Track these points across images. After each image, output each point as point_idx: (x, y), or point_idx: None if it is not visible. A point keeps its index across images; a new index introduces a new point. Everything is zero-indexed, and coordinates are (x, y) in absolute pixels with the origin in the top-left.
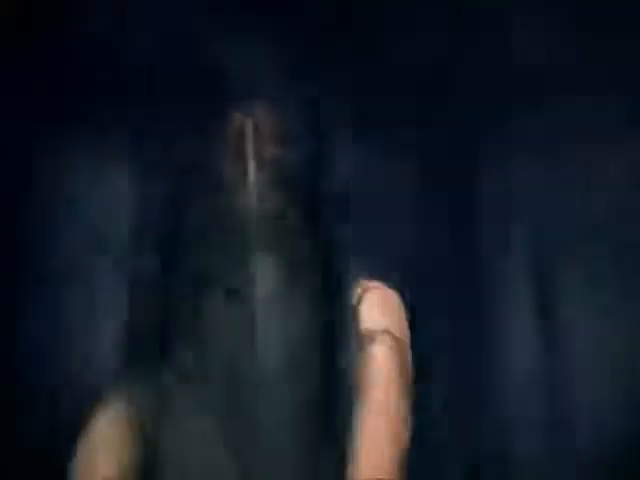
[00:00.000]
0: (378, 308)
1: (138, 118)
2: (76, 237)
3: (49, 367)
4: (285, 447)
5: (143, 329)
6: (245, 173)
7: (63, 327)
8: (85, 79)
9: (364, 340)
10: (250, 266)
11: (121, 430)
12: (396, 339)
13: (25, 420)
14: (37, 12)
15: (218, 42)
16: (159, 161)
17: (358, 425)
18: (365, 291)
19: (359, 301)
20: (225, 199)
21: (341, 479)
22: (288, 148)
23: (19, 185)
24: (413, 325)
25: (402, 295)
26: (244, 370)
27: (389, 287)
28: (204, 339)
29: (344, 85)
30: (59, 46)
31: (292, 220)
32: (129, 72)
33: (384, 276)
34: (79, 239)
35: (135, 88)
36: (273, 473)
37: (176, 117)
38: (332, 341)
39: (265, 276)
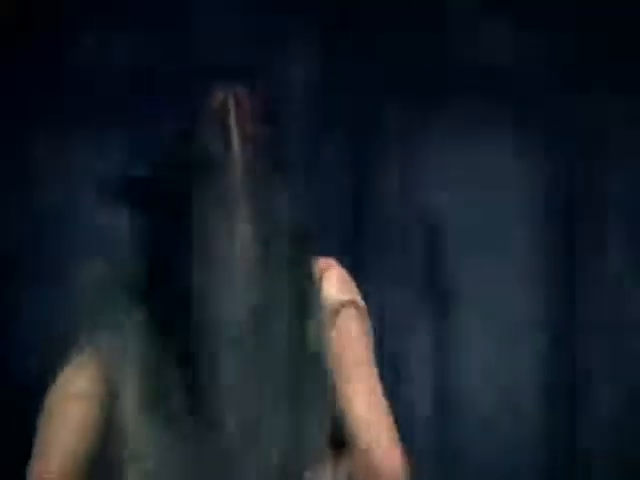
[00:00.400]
0: (340, 283)
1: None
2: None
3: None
4: (249, 398)
5: (114, 281)
6: (229, 145)
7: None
8: (85, 79)
9: (330, 311)
10: (230, 232)
11: (89, 378)
12: (360, 308)
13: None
14: (37, 12)
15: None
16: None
17: (345, 392)
18: (325, 268)
19: (320, 277)
20: (210, 171)
21: (303, 428)
22: (269, 126)
23: (18, 184)
24: None
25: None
26: (213, 323)
27: (341, 266)
28: (176, 294)
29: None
30: (59, 46)
31: (272, 189)
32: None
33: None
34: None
35: (131, 83)
36: (237, 419)
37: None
38: (301, 306)
39: (244, 242)
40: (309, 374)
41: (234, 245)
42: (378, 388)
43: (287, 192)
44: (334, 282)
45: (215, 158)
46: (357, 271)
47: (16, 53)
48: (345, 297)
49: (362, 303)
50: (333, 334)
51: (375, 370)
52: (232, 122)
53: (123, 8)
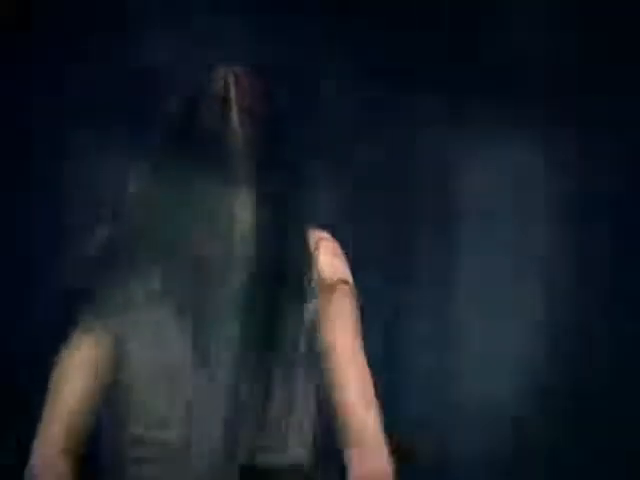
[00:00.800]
0: (334, 259)
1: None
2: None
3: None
4: (246, 359)
5: (113, 247)
6: (228, 120)
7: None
8: (85, 78)
9: (325, 287)
10: (228, 201)
11: (93, 349)
12: (351, 286)
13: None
14: (37, 12)
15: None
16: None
17: (335, 374)
18: (319, 240)
19: (315, 249)
20: (209, 145)
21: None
22: (269, 104)
23: (19, 185)
24: None
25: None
26: (211, 287)
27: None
28: (175, 261)
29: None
30: (59, 46)
31: (271, 163)
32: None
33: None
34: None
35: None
36: (236, 374)
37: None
38: (296, 274)
39: (243, 212)
40: (299, 338)
41: (232, 216)
42: (365, 366)
43: (285, 166)
44: (329, 257)
45: (215, 132)
46: None
47: (16, 53)
48: (340, 274)
49: (352, 280)
50: (328, 309)
51: (362, 347)
52: (232, 98)
53: (123, 8)
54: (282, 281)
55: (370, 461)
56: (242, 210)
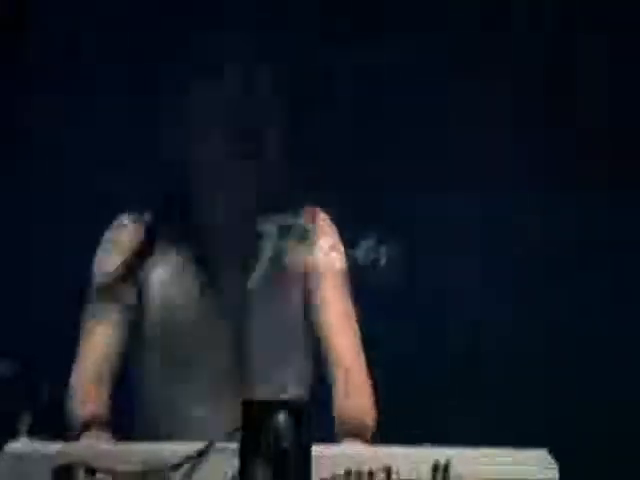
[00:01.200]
0: (330, 237)
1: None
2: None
3: None
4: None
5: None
6: (246, 165)
7: None
8: (84, 79)
9: (322, 269)
10: (241, 207)
11: (119, 309)
12: (345, 270)
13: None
14: (37, 12)
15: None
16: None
17: (330, 336)
18: (314, 218)
19: (313, 228)
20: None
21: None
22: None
23: (19, 185)
24: None
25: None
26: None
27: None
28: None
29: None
30: (59, 46)
31: (274, 170)
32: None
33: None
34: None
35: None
36: (247, 324)
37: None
38: (296, 260)
39: (251, 212)
40: (299, 309)
41: (242, 216)
42: (356, 333)
43: (283, 173)
44: (327, 237)
45: (232, 167)
46: None
47: (16, 53)
48: (335, 258)
49: (345, 264)
50: (323, 288)
51: (354, 321)
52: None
53: (123, 8)
54: (285, 264)
55: (354, 397)
56: (250, 210)
